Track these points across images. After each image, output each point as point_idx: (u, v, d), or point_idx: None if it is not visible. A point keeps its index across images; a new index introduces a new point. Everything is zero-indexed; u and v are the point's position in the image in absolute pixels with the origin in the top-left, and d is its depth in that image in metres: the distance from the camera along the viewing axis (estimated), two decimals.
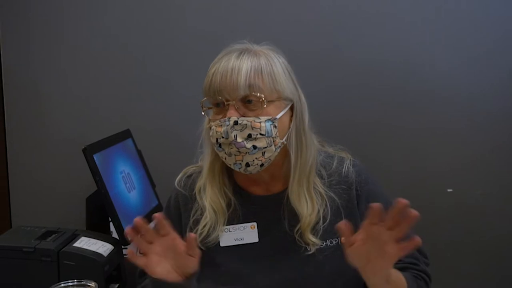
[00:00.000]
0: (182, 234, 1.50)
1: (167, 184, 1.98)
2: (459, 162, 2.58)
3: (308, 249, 1.45)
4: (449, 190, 2.51)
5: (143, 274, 1.58)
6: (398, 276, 1.41)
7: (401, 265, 1.48)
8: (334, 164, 1.54)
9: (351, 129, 2.52)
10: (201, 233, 1.49)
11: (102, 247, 1.85)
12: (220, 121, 1.41)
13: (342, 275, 1.48)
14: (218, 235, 1.50)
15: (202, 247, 1.47)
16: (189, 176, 1.60)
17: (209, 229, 1.49)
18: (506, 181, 2.58)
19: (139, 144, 2.40)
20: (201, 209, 1.52)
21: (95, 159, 1.90)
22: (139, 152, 2.37)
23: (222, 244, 1.50)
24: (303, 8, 2.52)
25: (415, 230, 1.36)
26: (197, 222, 1.51)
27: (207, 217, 1.49)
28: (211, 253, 1.50)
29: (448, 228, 2.60)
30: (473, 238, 2.61)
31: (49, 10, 2.57)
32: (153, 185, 2.39)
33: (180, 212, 1.57)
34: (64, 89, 2.57)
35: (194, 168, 1.60)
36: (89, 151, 1.89)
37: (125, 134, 2.31)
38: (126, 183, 2.11)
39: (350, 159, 1.56)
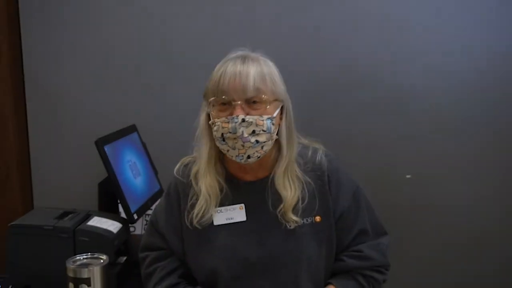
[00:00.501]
0: (181, 215, 1.55)
1: (167, 171, 2.01)
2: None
3: (289, 226, 1.47)
4: (407, 176, 2.49)
5: (144, 249, 1.64)
6: None
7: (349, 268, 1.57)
8: (309, 153, 1.55)
9: (323, 123, 2.49)
10: (197, 215, 1.49)
11: (112, 225, 1.88)
12: (227, 118, 1.41)
13: (317, 248, 1.51)
14: (212, 215, 1.50)
15: (198, 226, 1.50)
16: (186, 165, 1.60)
17: (204, 210, 1.49)
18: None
19: (144, 137, 2.40)
20: (197, 194, 1.52)
21: (105, 150, 1.91)
22: (143, 144, 2.37)
23: (215, 223, 1.51)
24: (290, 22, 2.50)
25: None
26: (193, 205, 1.52)
27: (202, 201, 1.50)
28: (206, 231, 1.51)
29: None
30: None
31: (64, 18, 2.56)
32: (155, 172, 2.39)
33: (180, 197, 1.57)
34: (79, 90, 2.56)
35: (190, 158, 1.60)
36: (100, 143, 1.90)
37: (132, 129, 2.32)
38: (132, 171, 2.12)
39: (323, 150, 1.57)
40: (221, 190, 1.53)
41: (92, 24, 2.56)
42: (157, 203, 1.87)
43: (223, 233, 1.53)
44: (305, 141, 1.60)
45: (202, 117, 1.49)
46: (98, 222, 1.87)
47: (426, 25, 2.47)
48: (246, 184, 1.55)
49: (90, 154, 2.01)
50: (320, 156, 1.55)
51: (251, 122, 1.39)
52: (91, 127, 2.41)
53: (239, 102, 1.40)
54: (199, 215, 1.50)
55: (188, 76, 2.50)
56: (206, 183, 1.51)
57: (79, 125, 2.54)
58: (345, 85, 2.53)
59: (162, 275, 1.56)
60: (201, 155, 1.53)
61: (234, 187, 1.54)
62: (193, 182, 1.54)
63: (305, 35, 2.50)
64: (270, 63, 1.48)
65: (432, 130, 2.53)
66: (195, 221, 1.50)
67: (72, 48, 2.56)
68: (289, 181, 1.49)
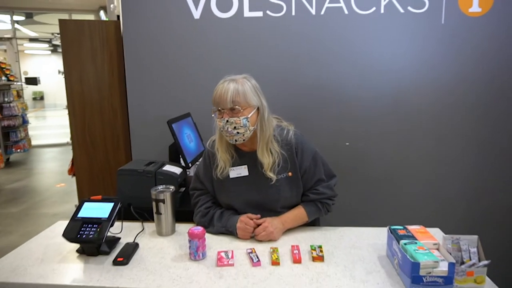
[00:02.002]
0: (211, 170, 1.62)
1: (208, 139, 2.12)
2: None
3: (271, 181, 1.54)
4: (347, 143, 2.45)
5: (192, 189, 1.70)
6: (293, 212, 1.59)
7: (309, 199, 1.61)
8: (284, 133, 1.57)
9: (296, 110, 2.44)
10: (219, 171, 1.58)
11: (177, 169, 1.95)
12: (220, 119, 1.48)
13: (289, 191, 1.58)
14: (228, 171, 1.58)
15: (220, 178, 1.59)
16: (213, 141, 1.63)
17: (223, 169, 1.57)
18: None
19: (195, 119, 2.44)
20: (218, 159, 1.58)
21: (173, 126, 1.97)
22: (195, 124, 2.41)
23: (231, 176, 1.59)
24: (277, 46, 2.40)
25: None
26: (217, 166, 1.58)
27: (221, 163, 1.57)
28: (225, 182, 1.59)
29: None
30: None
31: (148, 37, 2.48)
32: (201, 139, 2.41)
33: (210, 160, 1.63)
34: (156, 90, 2.55)
35: (214, 137, 1.62)
36: (170, 122, 1.96)
37: (188, 115, 2.36)
38: (188, 139, 2.16)
39: (293, 130, 1.59)
40: (231, 157, 1.58)
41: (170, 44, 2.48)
42: (199, 161, 1.84)
43: (235, 183, 1.59)
44: (284, 123, 1.62)
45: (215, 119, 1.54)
46: (169, 167, 1.94)
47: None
48: (247, 153, 1.60)
49: (163, 129, 2.01)
50: (291, 135, 1.56)
51: (232, 122, 1.46)
52: (165, 113, 2.43)
53: (224, 110, 1.47)
54: (220, 171, 1.58)
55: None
56: (221, 155, 1.57)
57: (158, 112, 2.54)
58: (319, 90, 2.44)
59: (202, 202, 1.66)
60: (216, 137, 1.59)
61: (240, 155, 1.60)
62: (216, 152, 1.59)
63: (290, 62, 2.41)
64: (247, 82, 1.48)
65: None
66: (218, 175, 1.59)
67: (155, 66, 2.51)
68: (266, 153, 1.52)
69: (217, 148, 1.59)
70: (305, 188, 1.61)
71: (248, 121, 1.48)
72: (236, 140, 1.51)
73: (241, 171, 1.59)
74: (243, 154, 1.60)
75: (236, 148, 1.61)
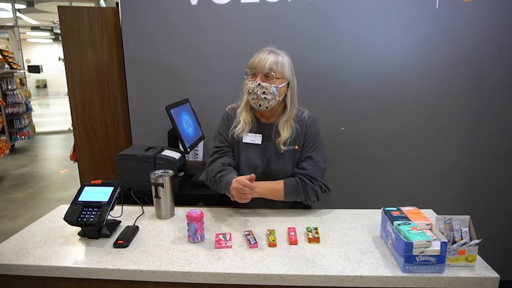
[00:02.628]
0: (229, 131, 1.65)
1: (206, 124, 2.15)
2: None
3: (280, 151, 1.59)
4: (342, 128, 2.46)
5: (214, 147, 1.68)
6: (271, 182, 1.59)
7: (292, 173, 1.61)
8: (300, 112, 1.65)
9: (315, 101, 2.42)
10: (236, 132, 1.62)
11: (175, 154, 1.97)
12: (252, 82, 1.54)
13: (291, 164, 1.62)
14: (243, 136, 1.63)
15: (236, 138, 1.64)
16: (233, 108, 1.70)
17: (240, 130, 1.62)
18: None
19: (193, 105, 2.42)
20: (238, 121, 1.63)
21: (171, 112, 1.96)
22: (193, 109, 2.40)
23: (244, 141, 1.64)
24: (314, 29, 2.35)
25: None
26: (235, 126, 1.64)
27: (240, 124, 1.62)
28: (239, 144, 1.64)
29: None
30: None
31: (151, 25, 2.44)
32: (200, 125, 2.41)
33: (229, 120, 1.67)
34: (156, 76, 2.51)
35: (235, 105, 1.70)
36: (168, 108, 1.95)
37: (186, 100, 2.34)
38: (186, 124, 2.15)
39: (308, 112, 1.66)
40: (252, 121, 1.64)
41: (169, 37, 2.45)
42: (218, 123, 1.75)
43: (247, 148, 1.63)
44: (300, 107, 1.68)
45: (246, 82, 1.59)
46: (168, 152, 1.95)
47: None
48: (264, 124, 1.65)
49: (162, 114, 2.00)
50: (305, 114, 1.64)
51: (263, 86, 1.53)
52: (163, 99, 2.39)
53: (259, 74, 1.53)
54: (237, 132, 1.62)
55: (221, 71, 2.43)
56: (244, 116, 1.63)
57: (157, 98, 2.52)
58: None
59: (226, 156, 1.66)
60: (243, 101, 1.64)
61: (258, 124, 1.65)
62: (237, 115, 1.64)
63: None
64: (285, 57, 1.57)
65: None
66: (235, 135, 1.63)
67: (154, 52, 2.48)
68: (286, 126, 1.59)
69: (240, 112, 1.64)
70: (296, 163, 1.62)
71: (277, 91, 1.54)
72: (260, 105, 1.56)
73: (256, 138, 1.63)
74: (261, 124, 1.66)
75: (256, 118, 1.66)
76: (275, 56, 1.53)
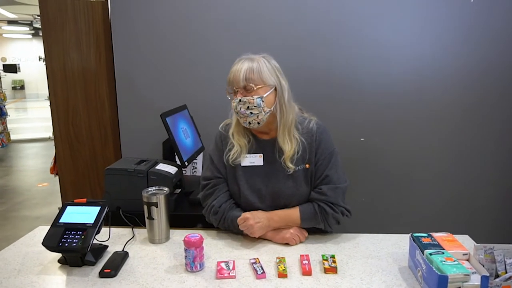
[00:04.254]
0: (223, 156, 1.62)
1: (206, 134, 2.15)
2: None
3: (288, 171, 1.55)
4: (361, 139, 2.46)
5: (207, 179, 1.65)
6: (286, 210, 1.59)
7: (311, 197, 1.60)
8: (306, 122, 1.61)
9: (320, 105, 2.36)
10: (232, 157, 1.59)
11: (171, 169, 1.95)
12: (233, 100, 1.52)
13: (305, 186, 1.58)
14: (241, 159, 1.59)
15: (232, 165, 1.60)
16: (227, 124, 1.67)
17: (236, 155, 1.59)
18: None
19: (191, 112, 2.44)
20: (232, 143, 1.60)
21: (167, 120, 1.96)
22: (191, 117, 2.41)
23: (242, 164, 1.60)
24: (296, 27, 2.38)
25: None
26: (230, 149, 1.60)
27: (235, 148, 1.59)
28: (237, 169, 1.60)
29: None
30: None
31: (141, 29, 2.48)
32: (199, 135, 2.42)
33: (222, 143, 1.64)
34: (150, 81, 2.54)
35: (229, 120, 1.66)
36: (164, 116, 1.96)
37: (184, 107, 2.35)
38: (184, 134, 2.15)
39: (315, 121, 1.62)
40: (248, 142, 1.61)
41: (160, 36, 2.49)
42: (211, 147, 1.74)
43: (247, 172, 1.60)
44: (306, 114, 1.66)
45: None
46: (162, 166, 1.94)
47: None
48: (264, 141, 1.62)
49: (157, 123, 2.00)
50: (313, 124, 1.60)
51: (245, 101, 1.49)
52: (158, 105, 2.42)
53: (238, 89, 1.51)
54: (233, 158, 1.59)
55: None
56: (237, 139, 1.60)
57: (150, 104, 2.54)
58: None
59: (219, 193, 1.62)
60: (234, 120, 1.61)
61: (256, 142, 1.62)
62: (231, 136, 1.61)
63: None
64: (264, 61, 1.52)
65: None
66: (230, 161, 1.60)
67: (147, 52, 2.52)
68: (288, 139, 1.55)
69: (232, 133, 1.62)
70: (312, 183, 1.60)
71: (262, 101, 1.50)
72: (250, 123, 1.53)
73: (255, 159, 1.60)
74: (261, 141, 1.63)
75: (253, 135, 1.64)
76: (250, 63, 1.50)
